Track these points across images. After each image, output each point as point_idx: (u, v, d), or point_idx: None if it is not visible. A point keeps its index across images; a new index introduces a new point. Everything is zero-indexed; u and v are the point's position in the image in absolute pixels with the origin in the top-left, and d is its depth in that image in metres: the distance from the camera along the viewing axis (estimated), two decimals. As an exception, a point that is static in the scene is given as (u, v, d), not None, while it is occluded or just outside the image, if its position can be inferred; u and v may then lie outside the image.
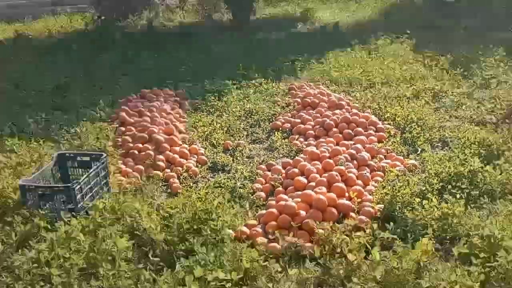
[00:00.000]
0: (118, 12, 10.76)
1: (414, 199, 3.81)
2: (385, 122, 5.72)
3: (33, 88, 7.15)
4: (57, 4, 14.42)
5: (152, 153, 4.91)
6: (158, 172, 4.63)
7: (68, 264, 3.08)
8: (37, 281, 3.03)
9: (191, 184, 4.53)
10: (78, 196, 3.78)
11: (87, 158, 4.28)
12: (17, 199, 3.89)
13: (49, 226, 3.49)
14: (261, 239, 3.54)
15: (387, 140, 5.32)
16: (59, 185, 3.94)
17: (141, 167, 4.72)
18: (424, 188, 4.03)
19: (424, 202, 3.72)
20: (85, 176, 3.95)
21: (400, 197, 3.85)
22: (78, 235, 3.30)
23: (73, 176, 4.28)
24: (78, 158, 4.31)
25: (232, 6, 11.61)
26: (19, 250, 3.31)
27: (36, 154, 4.78)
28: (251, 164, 4.95)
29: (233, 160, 5.02)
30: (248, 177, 4.65)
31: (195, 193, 3.98)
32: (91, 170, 4.04)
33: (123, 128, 5.51)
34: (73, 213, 3.65)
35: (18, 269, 3.09)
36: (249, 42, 9.89)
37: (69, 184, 3.84)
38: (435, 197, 3.77)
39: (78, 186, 3.80)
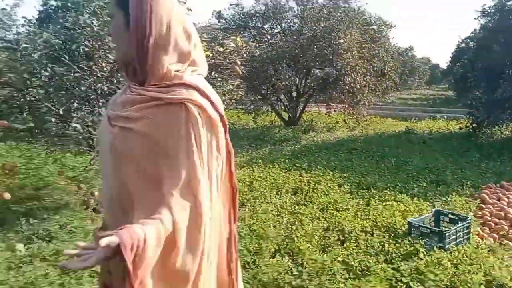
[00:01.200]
0: (487, 123, 10.47)
1: None
2: None
3: (416, 166, 7.76)
4: (437, 112, 15.19)
5: (506, 228, 4.74)
6: (510, 243, 4.46)
7: (438, 280, 3.43)
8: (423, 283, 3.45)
9: (539, 259, 4.19)
10: (447, 240, 4.10)
11: (456, 217, 4.54)
12: (404, 230, 4.50)
13: (424, 252, 3.93)
14: None
15: None
16: (436, 229, 4.32)
17: (495, 235, 4.63)
18: None
19: None
20: (454, 228, 4.24)
21: None
22: (446, 263, 3.63)
23: (442, 226, 4.61)
24: (450, 216, 4.62)
25: None
26: (403, 261, 3.86)
27: (417, 207, 5.33)
28: None
29: None
30: None
31: (543, 266, 3.72)
32: (459, 225, 4.28)
33: (483, 205, 5.49)
34: (442, 249, 4.00)
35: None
36: None
37: (442, 230, 4.21)
38: None
39: (449, 233, 4.13)
